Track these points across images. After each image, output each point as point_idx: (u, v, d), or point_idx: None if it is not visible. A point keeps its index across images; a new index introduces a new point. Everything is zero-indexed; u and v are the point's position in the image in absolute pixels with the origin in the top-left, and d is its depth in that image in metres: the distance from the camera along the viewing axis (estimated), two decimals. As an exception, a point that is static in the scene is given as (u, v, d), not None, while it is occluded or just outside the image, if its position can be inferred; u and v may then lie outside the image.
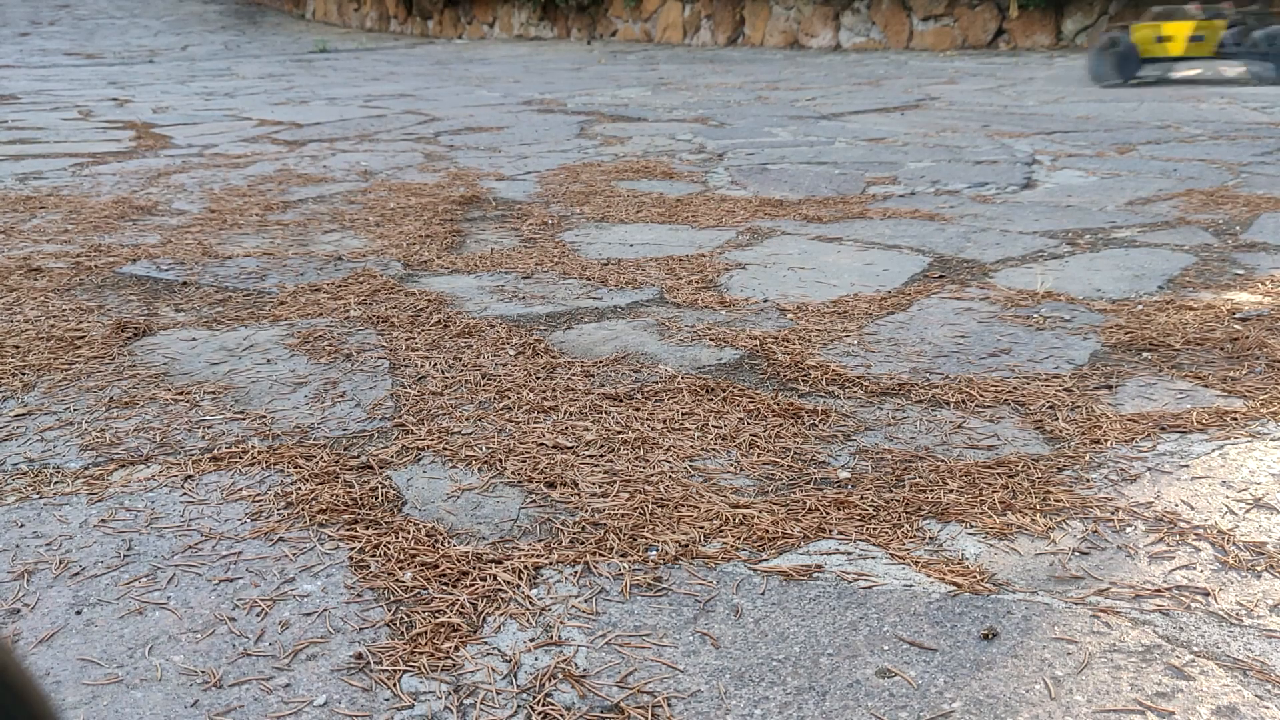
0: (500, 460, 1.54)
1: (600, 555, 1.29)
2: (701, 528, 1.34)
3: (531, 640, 1.13)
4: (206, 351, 2.04)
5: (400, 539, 1.32)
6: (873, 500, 1.41)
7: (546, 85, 7.46)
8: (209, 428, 1.69)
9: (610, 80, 7.71)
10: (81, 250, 2.84)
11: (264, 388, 1.86)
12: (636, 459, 1.54)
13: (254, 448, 1.60)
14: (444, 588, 1.22)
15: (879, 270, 2.58)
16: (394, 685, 1.06)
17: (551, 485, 1.47)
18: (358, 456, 1.57)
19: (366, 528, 1.36)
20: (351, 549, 1.31)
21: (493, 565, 1.26)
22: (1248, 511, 1.36)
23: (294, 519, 1.39)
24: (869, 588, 1.21)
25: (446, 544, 1.31)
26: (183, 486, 1.49)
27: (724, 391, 1.78)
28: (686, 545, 1.30)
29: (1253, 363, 1.87)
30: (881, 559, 1.27)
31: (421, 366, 1.94)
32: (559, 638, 1.13)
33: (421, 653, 1.10)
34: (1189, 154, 4.11)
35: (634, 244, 2.91)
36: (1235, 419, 1.63)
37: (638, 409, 1.72)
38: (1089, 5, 8.79)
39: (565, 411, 1.72)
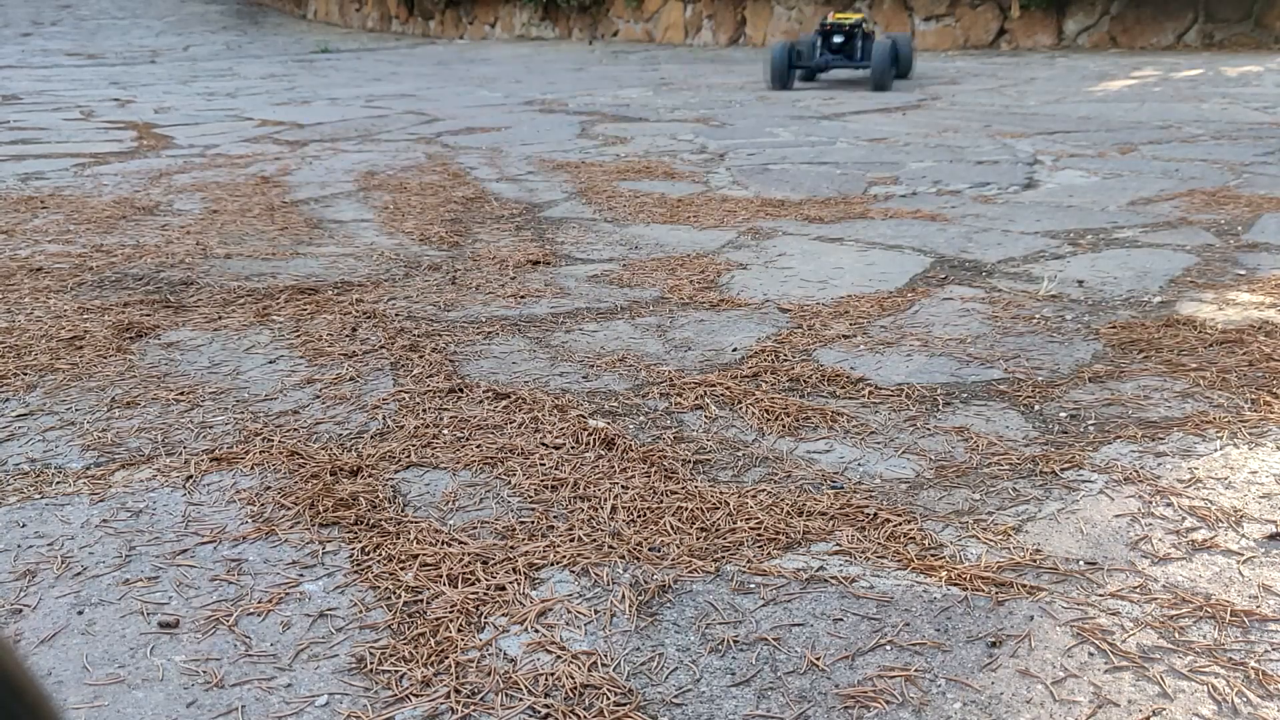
0: (502, 460, 1.54)
1: (602, 555, 1.29)
2: (704, 528, 1.34)
3: (532, 640, 1.13)
4: (208, 351, 2.05)
5: (401, 539, 1.32)
6: (875, 501, 1.41)
7: (548, 85, 7.46)
8: (210, 428, 1.69)
9: (612, 80, 7.71)
10: (83, 250, 2.84)
11: (265, 388, 1.86)
12: (639, 459, 1.54)
13: (255, 448, 1.61)
14: (445, 588, 1.22)
15: (880, 271, 2.58)
16: (395, 685, 1.06)
17: (553, 487, 1.47)
18: (359, 456, 1.57)
19: (368, 528, 1.36)
20: (353, 549, 1.31)
21: (494, 565, 1.26)
22: (1250, 512, 1.36)
23: (295, 519, 1.39)
24: (870, 588, 1.21)
25: (448, 544, 1.31)
26: (184, 486, 1.49)
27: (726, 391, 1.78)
28: (690, 545, 1.30)
29: (1254, 364, 1.87)
30: (884, 560, 1.27)
31: (423, 366, 1.94)
32: (560, 638, 1.13)
33: (422, 653, 1.11)
34: (1191, 154, 4.10)
35: (635, 244, 2.91)
36: (1236, 420, 1.63)
37: (640, 409, 1.72)
38: (1090, 5, 8.79)
39: (568, 411, 1.72)
